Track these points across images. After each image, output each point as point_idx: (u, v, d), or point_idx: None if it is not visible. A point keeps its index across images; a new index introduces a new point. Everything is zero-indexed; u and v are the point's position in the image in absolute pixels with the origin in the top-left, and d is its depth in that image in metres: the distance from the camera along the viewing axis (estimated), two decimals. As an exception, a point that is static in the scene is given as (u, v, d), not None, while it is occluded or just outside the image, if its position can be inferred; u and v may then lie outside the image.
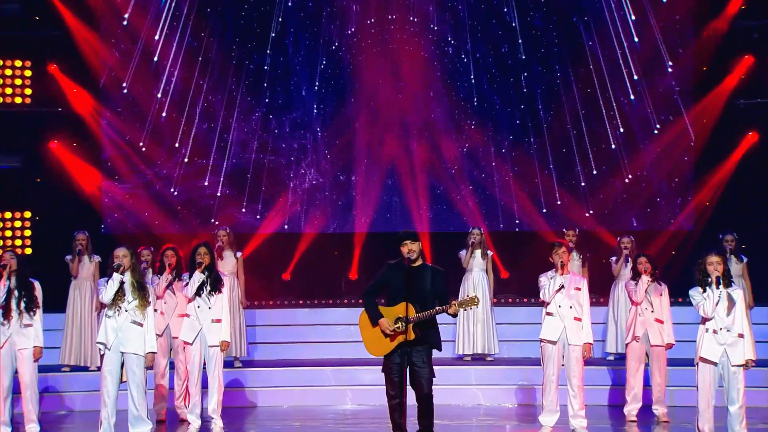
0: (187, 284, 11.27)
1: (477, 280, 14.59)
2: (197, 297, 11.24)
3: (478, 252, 14.63)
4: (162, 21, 17.13)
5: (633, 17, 16.87)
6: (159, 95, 17.14)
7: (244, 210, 17.35)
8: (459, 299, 9.62)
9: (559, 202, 17.27)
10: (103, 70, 17.10)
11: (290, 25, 17.40)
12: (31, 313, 10.85)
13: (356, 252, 17.35)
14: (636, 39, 16.97)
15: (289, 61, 17.44)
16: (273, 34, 17.33)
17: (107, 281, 10.17)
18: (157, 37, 17.12)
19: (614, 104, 17.08)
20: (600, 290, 15.23)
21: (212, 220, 17.05)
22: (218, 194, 17.32)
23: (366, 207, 17.43)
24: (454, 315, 9.49)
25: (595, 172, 17.18)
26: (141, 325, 10.18)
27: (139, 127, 17.21)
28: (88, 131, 17.09)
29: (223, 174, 17.33)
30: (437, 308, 9.39)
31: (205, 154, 17.34)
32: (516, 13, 17.21)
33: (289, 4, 17.33)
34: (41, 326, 10.95)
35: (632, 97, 16.99)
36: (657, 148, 17.03)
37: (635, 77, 16.96)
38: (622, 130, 17.08)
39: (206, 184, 17.31)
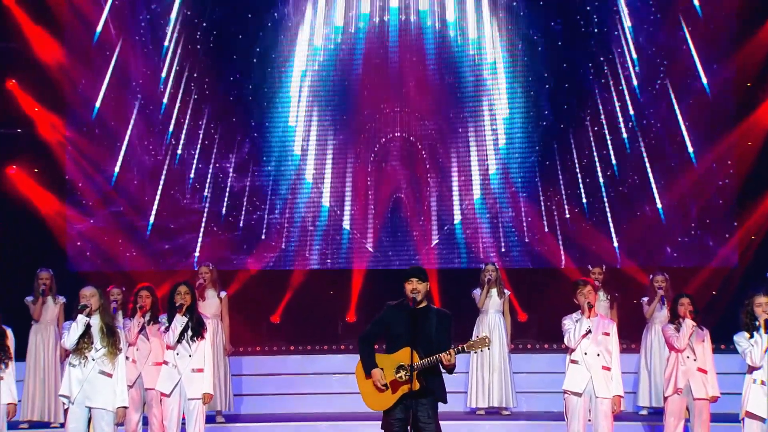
0: (166, 328, 11.18)
1: (493, 322, 14.51)
2: (177, 343, 11.18)
3: (494, 291, 14.57)
4: (139, 35, 17.19)
5: (668, 27, 16.94)
6: (133, 116, 17.16)
7: (228, 244, 17.31)
8: (468, 342, 9.46)
9: (581, 232, 17.20)
10: (69, 88, 17.09)
11: (279, 42, 17.43)
12: (2, 366, 10.66)
13: (354, 291, 17.30)
14: (669, 52, 17.00)
15: (279, 79, 17.45)
16: (258, 49, 17.38)
17: (72, 324, 10.09)
18: (132, 53, 17.17)
19: (645, 123, 17.06)
20: (630, 335, 15.15)
21: (193, 256, 16.99)
22: (201, 227, 17.27)
23: (365, 240, 17.38)
24: (450, 368, 9.31)
25: (624, 200, 17.12)
26: (110, 375, 10.08)
27: (111, 153, 17.19)
28: (51, 156, 17.07)
29: (205, 205, 17.29)
30: (437, 356, 9.24)
31: (185, 183, 17.30)
32: (533, 28, 17.23)
33: (275, 15, 17.41)
34: (14, 380, 10.78)
35: (667, 114, 17.01)
36: (695, 174, 16.99)
37: (670, 93, 16.96)
38: (654, 152, 17.03)
39: (186, 215, 17.27)
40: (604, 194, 17.17)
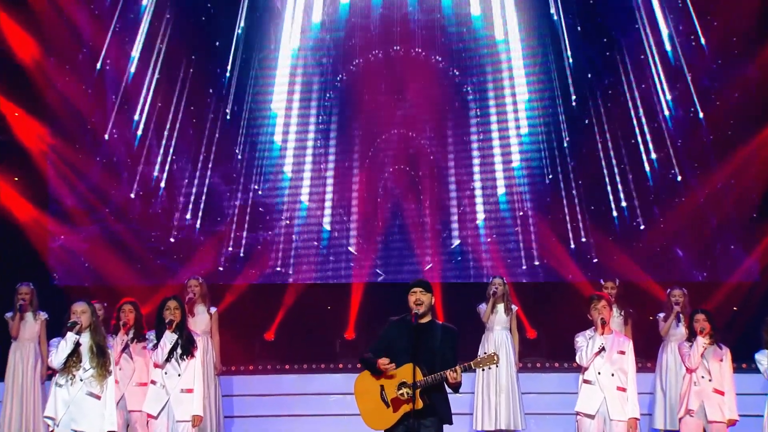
0: (155, 345, 11.09)
1: (500, 340, 14.47)
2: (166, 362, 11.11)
3: (500, 306, 14.53)
4: (125, 39, 17.21)
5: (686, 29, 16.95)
6: (116, 124, 17.18)
7: (219, 256, 17.27)
8: (475, 359, 9.41)
9: (594, 244, 17.17)
10: (51, 92, 17.07)
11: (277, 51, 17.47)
12: None
13: (353, 307, 17.26)
14: (689, 57, 17.00)
15: (273, 84, 17.47)
16: (244, 55, 17.41)
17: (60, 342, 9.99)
18: (118, 56, 17.18)
19: (662, 130, 17.03)
20: (646, 353, 15.09)
21: (182, 269, 16.95)
22: (189, 238, 17.24)
23: (365, 253, 17.35)
24: (455, 386, 9.27)
25: (639, 211, 17.09)
26: (98, 397, 9.98)
27: (95, 160, 17.17)
28: (33, 163, 17.05)
29: (196, 215, 17.25)
30: (441, 373, 9.18)
31: (175, 192, 17.28)
32: (542, 37, 17.26)
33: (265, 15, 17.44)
34: None
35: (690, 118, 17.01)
36: (715, 183, 16.96)
37: (688, 99, 16.95)
38: (671, 160, 17.01)
39: (175, 226, 17.24)
40: (619, 205, 17.13)
